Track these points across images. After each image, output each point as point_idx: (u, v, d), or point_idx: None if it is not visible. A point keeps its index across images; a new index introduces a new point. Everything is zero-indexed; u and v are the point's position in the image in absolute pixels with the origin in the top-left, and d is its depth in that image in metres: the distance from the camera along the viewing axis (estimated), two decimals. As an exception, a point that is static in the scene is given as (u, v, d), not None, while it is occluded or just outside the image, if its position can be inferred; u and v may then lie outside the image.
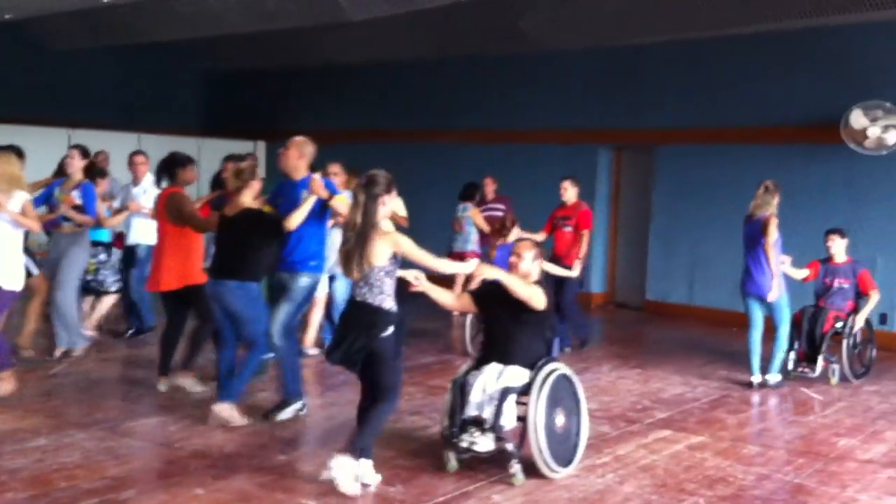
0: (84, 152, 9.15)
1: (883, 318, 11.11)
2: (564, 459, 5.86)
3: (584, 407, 6.08)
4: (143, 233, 9.67)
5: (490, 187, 11.78)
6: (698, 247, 12.77)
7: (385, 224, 5.64)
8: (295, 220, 6.64)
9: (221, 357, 6.99)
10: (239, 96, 18.48)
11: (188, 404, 7.31)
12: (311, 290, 7.09)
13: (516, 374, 5.79)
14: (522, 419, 5.73)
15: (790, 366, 8.97)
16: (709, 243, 12.53)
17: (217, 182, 8.64)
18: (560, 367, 5.97)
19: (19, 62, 15.09)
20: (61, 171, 9.39)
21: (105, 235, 9.73)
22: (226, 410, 6.73)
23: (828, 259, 9.27)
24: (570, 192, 10.06)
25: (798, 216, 10.60)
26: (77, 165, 9.02)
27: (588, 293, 13.54)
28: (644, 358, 10.04)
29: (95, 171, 9.54)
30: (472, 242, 11.23)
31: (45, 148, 12.09)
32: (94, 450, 6.10)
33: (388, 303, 5.48)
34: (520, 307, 5.88)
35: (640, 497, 5.60)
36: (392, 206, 5.67)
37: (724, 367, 9.43)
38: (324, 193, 6.73)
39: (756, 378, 8.69)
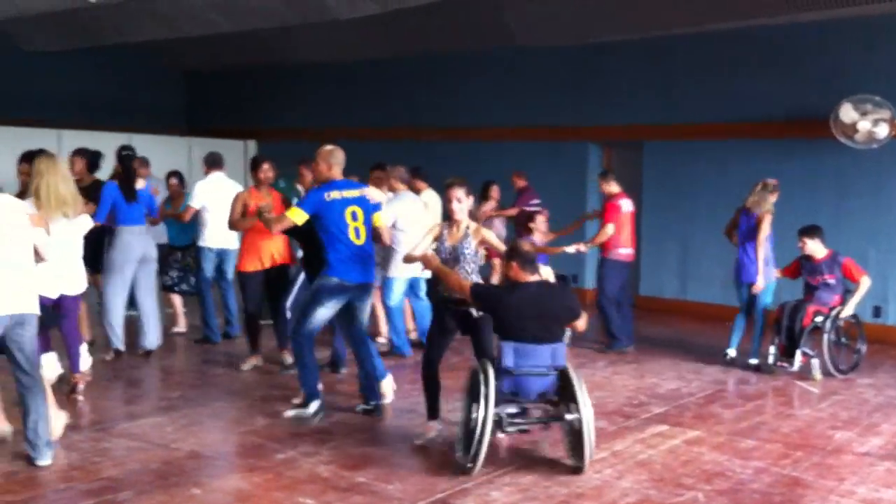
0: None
1: (877, 311, 11.14)
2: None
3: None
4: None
5: (521, 183, 12.22)
6: (688, 242, 12.79)
7: None
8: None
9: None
10: (220, 96, 18.43)
11: (184, 406, 7.31)
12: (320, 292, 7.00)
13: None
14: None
15: (771, 359, 9.02)
16: (697, 238, 12.57)
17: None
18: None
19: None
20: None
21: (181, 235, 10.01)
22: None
23: (808, 257, 9.12)
24: (602, 189, 10.37)
25: (786, 210, 10.60)
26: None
27: (582, 289, 13.56)
28: (639, 353, 10.05)
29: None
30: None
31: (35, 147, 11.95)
32: (90, 451, 6.08)
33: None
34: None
35: (638, 492, 5.60)
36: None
37: (718, 361, 9.42)
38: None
39: (732, 352, 9.09)
